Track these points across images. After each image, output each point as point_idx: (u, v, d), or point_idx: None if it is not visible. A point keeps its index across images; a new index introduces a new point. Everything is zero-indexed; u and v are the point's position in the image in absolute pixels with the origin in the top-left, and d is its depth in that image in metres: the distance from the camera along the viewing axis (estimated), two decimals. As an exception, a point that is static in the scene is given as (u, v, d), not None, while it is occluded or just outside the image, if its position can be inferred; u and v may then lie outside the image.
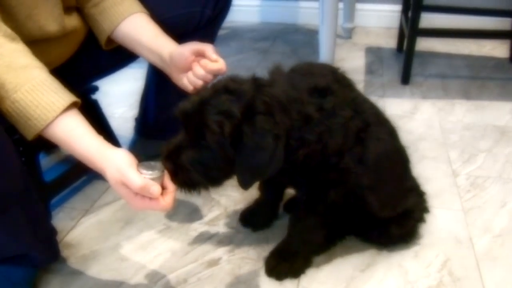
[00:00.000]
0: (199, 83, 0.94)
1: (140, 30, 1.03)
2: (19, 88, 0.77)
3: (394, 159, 1.01)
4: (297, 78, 0.89)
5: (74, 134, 0.80)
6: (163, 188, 0.79)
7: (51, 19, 0.95)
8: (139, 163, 0.79)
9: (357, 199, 0.95)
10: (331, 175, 0.90)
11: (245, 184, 0.82)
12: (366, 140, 0.91)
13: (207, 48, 0.94)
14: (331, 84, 0.89)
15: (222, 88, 0.81)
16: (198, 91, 0.85)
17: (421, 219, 1.07)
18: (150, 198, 0.77)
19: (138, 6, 1.06)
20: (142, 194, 0.76)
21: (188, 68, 0.96)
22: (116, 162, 0.77)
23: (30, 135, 0.79)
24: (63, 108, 0.79)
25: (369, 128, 0.91)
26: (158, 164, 0.81)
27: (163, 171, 0.80)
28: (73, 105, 0.82)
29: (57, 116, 0.78)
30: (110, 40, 1.06)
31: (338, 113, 0.87)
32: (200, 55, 0.95)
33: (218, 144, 0.79)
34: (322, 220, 0.97)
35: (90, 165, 0.81)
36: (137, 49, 1.03)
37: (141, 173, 0.76)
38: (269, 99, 0.81)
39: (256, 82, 0.84)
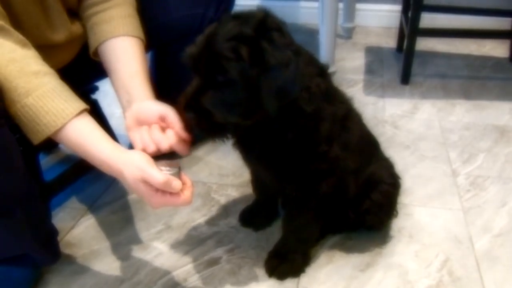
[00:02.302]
0: (151, 146, 0.84)
1: (121, 60, 0.95)
2: (31, 93, 0.78)
3: (369, 141, 1.03)
4: (298, 46, 0.85)
5: (88, 138, 0.81)
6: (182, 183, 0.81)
7: (57, 29, 0.96)
8: (155, 161, 0.80)
9: (343, 185, 0.95)
10: (322, 165, 0.90)
11: (273, 109, 0.77)
12: (349, 126, 0.92)
13: (170, 114, 0.85)
14: (326, 68, 0.89)
15: (228, 17, 0.76)
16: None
17: (382, 202, 1.01)
18: (171, 194, 0.78)
19: (127, 28, 0.98)
20: (164, 189, 0.77)
21: (145, 124, 0.88)
22: (135, 161, 0.78)
23: (36, 139, 0.80)
24: (72, 116, 0.79)
25: (350, 114, 0.93)
26: (173, 161, 0.82)
27: (179, 168, 0.82)
28: (83, 111, 0.82)
29: (66, 123, 0.79)
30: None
31: (330, 99, 0.87)
32: (163, 119, 0.87)
33: (238, 71, 0.72)
34: (314, 215, 0.97)
35: (105, 168, 0.81)
36: (111, 76, 0.96)
37: (160, 170, 0.78)
38: (280, 23, 0.77)
39: (264, 10, 0.78)
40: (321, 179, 0.91)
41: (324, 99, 0.85)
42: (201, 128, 0.80)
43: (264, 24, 0.75)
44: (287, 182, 0.94)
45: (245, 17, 0.76)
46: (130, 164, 0.78)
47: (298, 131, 0.84)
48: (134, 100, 0.90)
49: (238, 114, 0.79)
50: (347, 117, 0.92)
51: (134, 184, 0.78)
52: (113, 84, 0.96)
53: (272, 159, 0.90)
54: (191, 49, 0.78)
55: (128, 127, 0.89)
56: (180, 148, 0.85)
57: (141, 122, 0.88)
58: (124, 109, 0.92)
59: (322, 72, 0.86)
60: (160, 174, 0.76)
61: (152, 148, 0.83)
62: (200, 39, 0.77)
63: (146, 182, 0.77)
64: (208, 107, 0.77)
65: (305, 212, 0.96)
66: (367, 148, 1.02)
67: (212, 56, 0.74)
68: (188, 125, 0.83)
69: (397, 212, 1.09)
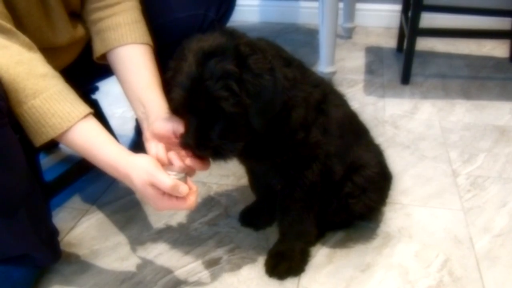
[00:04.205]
0: (164, 161, 0.85)
1: (131, 70, 0.94)
2: (38, 95, 0.78)
3: (352, 122, 1.04)
4: (261, 43, 0.88)
5: (94, 141, 0.82)
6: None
7: (59, 32, 0.96)
8: (162, 165, 0.82)
9: (327, 171, 0.96)
10: (302, 151, 0.91)
11: (261, 127, 0.82)
12: (327, 109, 0.93)
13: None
14: (292, 58, 0.91)
15: (202, 55, 0.78)
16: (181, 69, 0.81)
17: (365, 186, 1.01)
18: (177, 198, 0.80)
19: (134, 35, 0.96)
20: (171, 193, 0.79)
21: (163, 140, 0.88)
22: (143, 165, 0.79)
23: (40, 141, 0.80)
24: (78, 119, 0.80)
25: (327, 97, 0.94)
26: (180, 166, 0.84)
27: (186, 172, 0.83)
28: (88, 115, 0.83)
29: (71, 126, 0.80)
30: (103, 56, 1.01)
31: (299, 86, 0.88)
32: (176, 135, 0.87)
33: (237, 106, 0.78)
34: (305, 205, 0.97)
35: (112, 171, 0.82)
36: (123, 86, 0.96)
37: (168, 174, 0.79)
38: (248, 41, 0.82)
39: (227, 31, 0.83)
40: (306, 167, 0.92)
41: (294, 87, 0.87)
42: (217, 159, 0.85)
43: (240, 54, 0.78)
44: (273, 174, 0.96)
45: (219, 50, 0.79)
46: (138, 168, 0.79)
47: (270, 124, 0.86)
48: (150, 112, 0.90)
49: (243, 138, 0.85)
50: (323, 101, 0.93)
51: (142, 187, 0.79)
52: (126, 94, 0.96)
53: (258, 153, 0.91)
54: (179, 94, 0.80)
55: (146, 139, 0.91)
56: (199, 166, 0.85)
57: (158, 137, 0.89)
58: (140, 121, 0.93)
59: (288, 63, 0.89)
60: (168, 178, 0.78)
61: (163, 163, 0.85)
62: (185, 83, 0.79)
63: (154, 186, 0.78)
64: (219, 140, 0.82)
65: (294, 204, 0.97)
66: (351, 129, 1.02)
67: (209, 98, 0.78)
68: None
69: (386, 203, 1.09)
